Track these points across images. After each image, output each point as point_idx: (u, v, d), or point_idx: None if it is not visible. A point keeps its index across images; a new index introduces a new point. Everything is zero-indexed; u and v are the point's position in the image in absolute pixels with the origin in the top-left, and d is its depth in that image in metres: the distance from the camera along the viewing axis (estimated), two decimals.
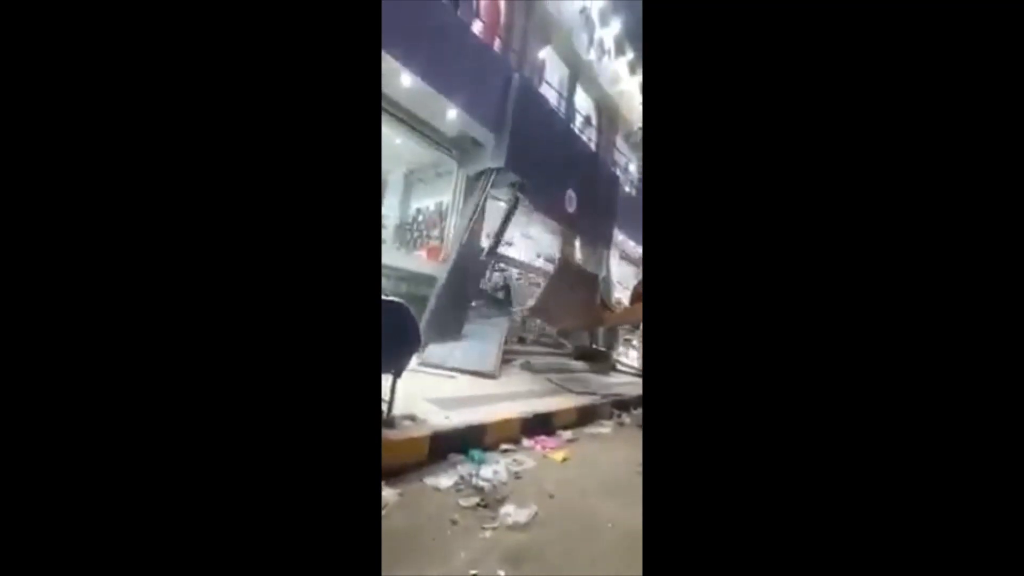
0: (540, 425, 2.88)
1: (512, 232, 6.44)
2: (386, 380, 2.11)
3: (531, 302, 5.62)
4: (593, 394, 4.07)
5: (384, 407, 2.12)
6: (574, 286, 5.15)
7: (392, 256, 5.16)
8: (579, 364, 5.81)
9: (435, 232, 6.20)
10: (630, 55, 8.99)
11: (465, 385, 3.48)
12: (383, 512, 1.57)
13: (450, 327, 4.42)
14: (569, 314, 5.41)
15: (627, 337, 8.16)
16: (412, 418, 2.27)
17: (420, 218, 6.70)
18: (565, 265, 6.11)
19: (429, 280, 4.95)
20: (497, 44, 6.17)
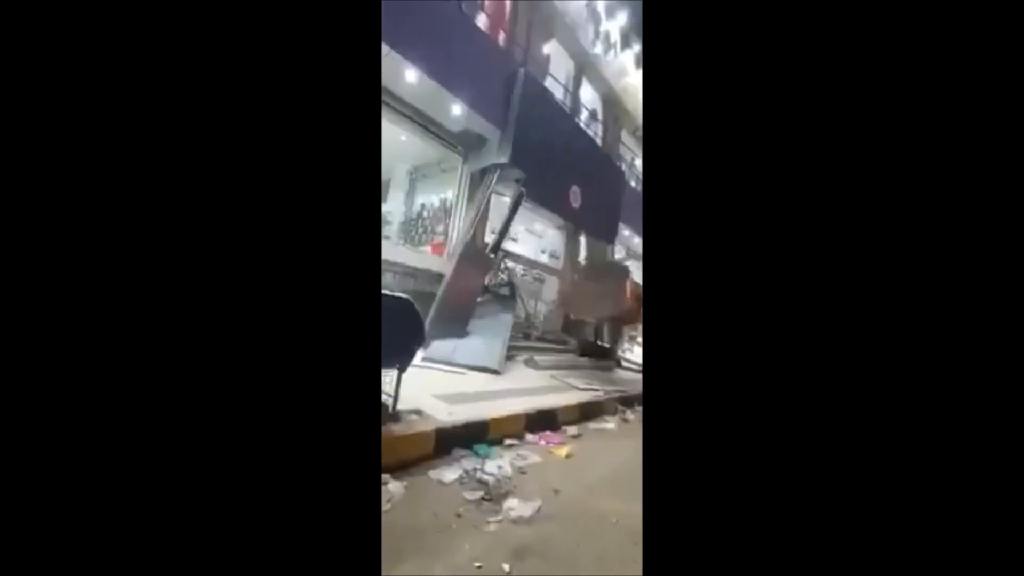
0: (544, 421, 2.89)
1: (516, 228, 6.44)
2: (392, 375, 2.13)
3: (538, 298, 5.67)
4: (597, 390, 4.07)
5: (389, 402, 2.13)
6: (602, 278, 5.15)
7: (398, 252, 5.19)
8: (583, 360, 5.81)
9: (440, 228, 6.21)
10: (636, 48, 8.87)
11: (470, 381, 3.49)
12: (389, 505, 1.59)
13: (455, 323, 4.45)
14: (598, 304, 5.42)
15: (632, 334, 8.14)
16: (418, 413, 2.29)
17: (425, 214, 6.71)
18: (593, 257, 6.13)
19: (436, 276, 4.97)
20: (502, 39, 6.13)
